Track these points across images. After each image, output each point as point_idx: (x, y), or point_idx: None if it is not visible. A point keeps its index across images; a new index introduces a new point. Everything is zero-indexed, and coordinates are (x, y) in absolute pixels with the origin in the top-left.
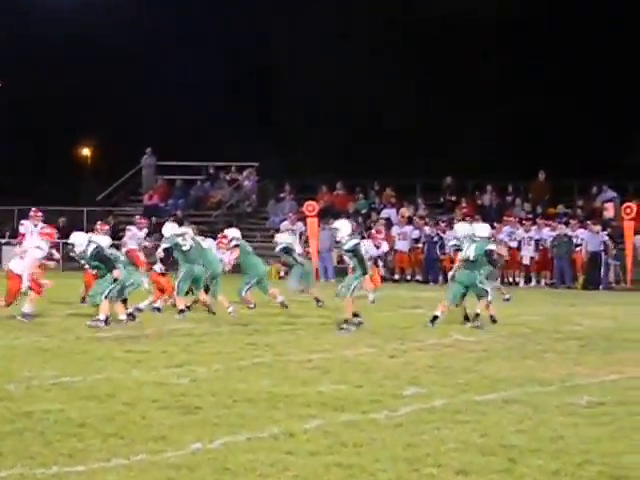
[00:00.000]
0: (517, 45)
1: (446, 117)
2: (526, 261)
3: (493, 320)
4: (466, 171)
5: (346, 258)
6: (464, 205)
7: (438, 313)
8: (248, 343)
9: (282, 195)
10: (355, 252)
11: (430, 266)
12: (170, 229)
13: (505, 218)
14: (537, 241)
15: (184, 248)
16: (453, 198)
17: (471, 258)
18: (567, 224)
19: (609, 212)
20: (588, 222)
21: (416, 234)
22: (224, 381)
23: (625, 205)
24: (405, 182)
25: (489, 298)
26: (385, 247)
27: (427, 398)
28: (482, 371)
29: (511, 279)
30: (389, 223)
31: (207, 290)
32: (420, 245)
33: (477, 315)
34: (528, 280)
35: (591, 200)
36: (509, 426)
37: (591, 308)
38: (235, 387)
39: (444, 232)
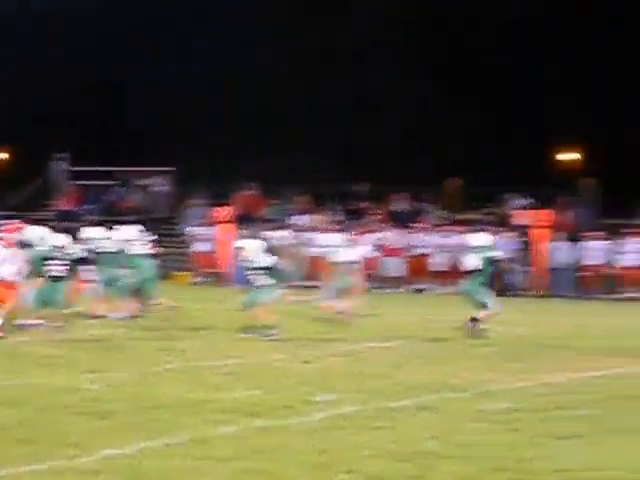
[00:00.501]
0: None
1: (360, 123)
2: (440, 267)
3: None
4: (381, 178)
5: (254, 276)
6: (379, 211)
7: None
8: (162, 349)
9: (196, 201)
10: (271, 269)
11: None
12: (92, 233)
13: (418, 225)
14: (449, 248)
15: (104, 251)
16: (367, 205)
17: (473, 267)
18: (482, 231)
19: (522, 219)
20: (500, 229)
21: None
22: (139, 387)
23: (538, 212)
24: (321, 189)
25: (489, 307)
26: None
27: (340, 404)
28: (395, 377)
29: (423, 285)
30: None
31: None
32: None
33: (474, 319)
34: (440, 287)
35: (504, 207)
36: (422, 432)
37: (504, 315)
38: (149, 393)
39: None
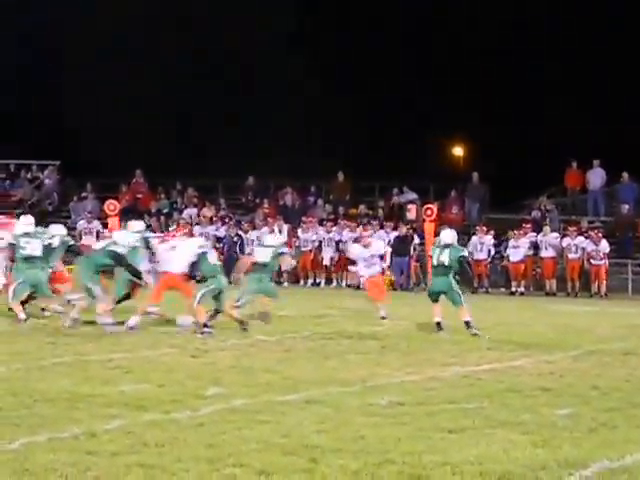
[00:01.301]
0: None
1: (248, 117)
2: (326, 262)
3: (469, 325)
4: (268, 171)
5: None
6: (266, 206)
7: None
8: (48, 342)
9: (84, 194)
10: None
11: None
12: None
13: (305, 219)
14: (337, 242)
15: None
16: (255, 199)
17: (445, 264)
18: (368, 224)
19: (411, 214)
20: (400, 223)
21: (220, 234)
22: (24, 381)
23: (426, 207)
24: (207, 182)
25: (464, 303)
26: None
27: (228, 398)
28: (283, 372)
29: (311, 280)
30: (191, 223)
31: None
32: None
33: (468, 323)
34: (329, 281)
35: (389, 201)
36: (310, 426)
37: (392, 309)
38: (35, 387)
39: (246, 232)
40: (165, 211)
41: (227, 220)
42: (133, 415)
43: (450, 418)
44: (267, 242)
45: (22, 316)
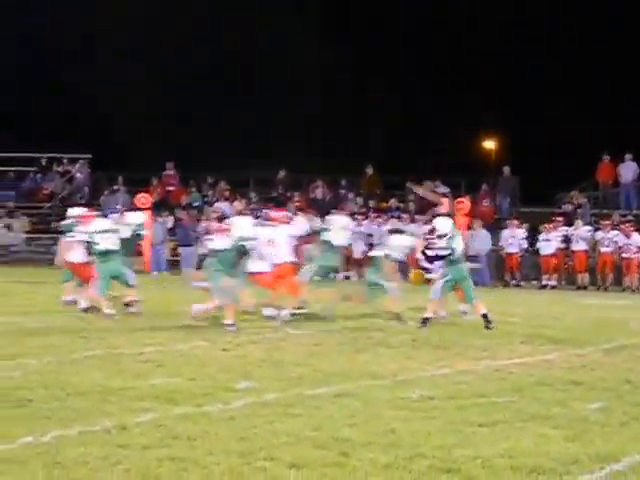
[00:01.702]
0: None
1: (280, 116)
2: (357, 255)
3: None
4: (299, 165)
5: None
6: (297, 199)
7: (430, 314)
8: (80, 336)
9: (115, 187)
10: None
11: None
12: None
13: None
14: (369, 235)
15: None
16: (286, 192)
17: (459, 252)
18: (399, 218)
19: (444, 207)
20: (417, 216)
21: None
22: (56, 374)
23: (457, 200)
24: (238, 176)
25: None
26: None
27: (259, 392)
28: (314, 365)
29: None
30: (223, 216)
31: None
32: None
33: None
34: (360, 275)
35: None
36: (341, 420)
37: (423, 303)
38: (67, 380)
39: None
40: (196, 204)
41: (257, 213)
42: (164, 408)
43: (481, 412)
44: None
45: (109, 311)
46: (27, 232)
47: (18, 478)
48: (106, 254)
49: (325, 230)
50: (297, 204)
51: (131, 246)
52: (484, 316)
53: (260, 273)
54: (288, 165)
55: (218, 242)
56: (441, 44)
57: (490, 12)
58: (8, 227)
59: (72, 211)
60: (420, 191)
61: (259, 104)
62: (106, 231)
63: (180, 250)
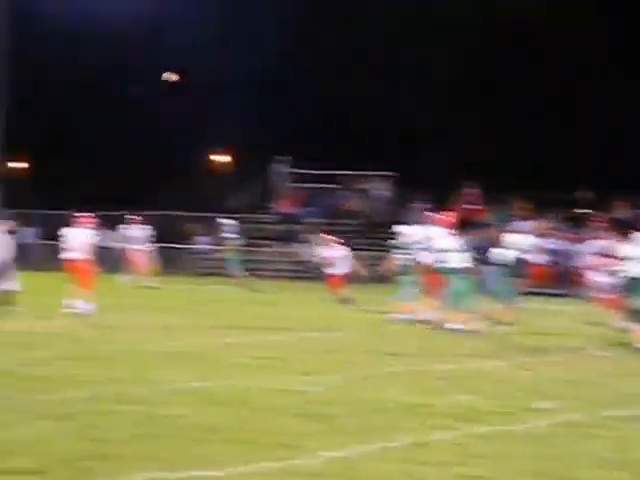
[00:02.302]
0: None
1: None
2: None
3: None
4: (602, 184)
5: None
6: (598, 218)
7: None
8: (377, 351)
9: (415, 205)
10: None
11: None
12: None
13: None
14: None
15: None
16: (588, 211)
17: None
18: None
19: None
20: None
21: (553, 246)
22: (355, 390)
23: None
24: (539, 195)
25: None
26: None
27: (558, 412)
28: (610, 386)
29: None
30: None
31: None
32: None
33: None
34: None
35: None
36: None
37: None
38: (366, 396)
39: (575, 244)
40: (498, 223)
41: (559, 233)
42: (462, 426)
43: None
44: None
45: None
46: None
47: None
48: (458, 271)
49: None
50: (599, 223)
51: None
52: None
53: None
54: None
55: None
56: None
57: None
58: (308, 243)
59: (401, 229)
60: None
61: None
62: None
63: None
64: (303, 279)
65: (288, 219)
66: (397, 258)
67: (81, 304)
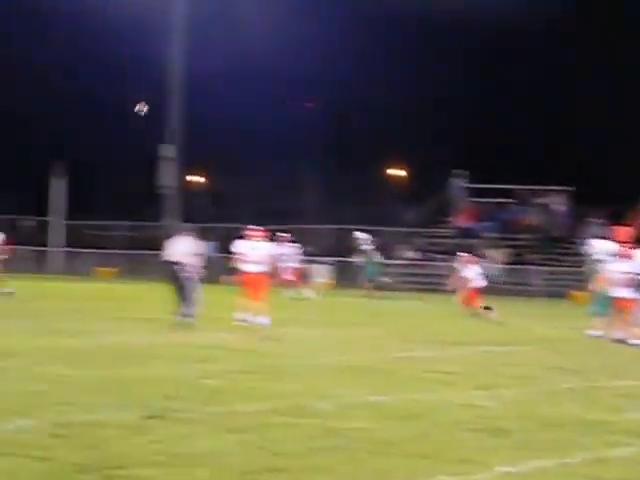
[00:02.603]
0: None
1: None
2: None
3: None
4: None
5: None
6: None
7: None
8: (555, 367)
9: (594, 220)
10: None
11: None
12: None
13: None
14: None
15: None
16: None
17: None
18: None
19: None
20: None
21: None
22: (532, 405)
23: None
24: None
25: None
26: None
27: None
28: None
29: None
30: None
31: None
32: None
33: None
34: None
35: None
36: None
37: None
38: (543, 411)
39: None
40: None
41: None
42: None
43: None
44: None
45: None
46: (505, 263)
47: None
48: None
49: None
50: None
51: None
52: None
53: None
54: None
55: None
56: None
57: None
58: (486, 257)
59: (592, 243)
60: None
61: None
62: None
63: None
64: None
65: (465, 233)
66: (596, 274)
67: (259, 318)
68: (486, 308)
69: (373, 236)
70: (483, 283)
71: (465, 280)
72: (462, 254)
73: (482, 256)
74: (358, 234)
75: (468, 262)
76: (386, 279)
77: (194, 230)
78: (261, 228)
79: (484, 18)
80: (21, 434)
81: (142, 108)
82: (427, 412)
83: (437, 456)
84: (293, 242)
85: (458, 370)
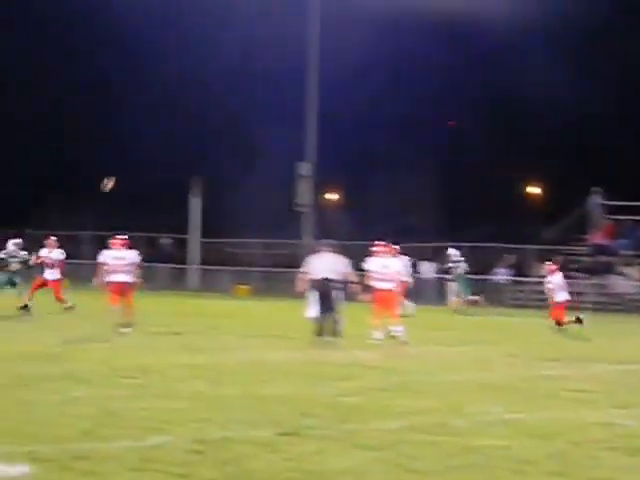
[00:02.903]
0: None
1: None
2: None
3: None
4: None
5: None
6: None
7: None
8: None
9: None
10: None
11: None
12: None
13: None
14: None
15: None
16: None
17: None
18: None
19: None
20: None
21: None
22: None
23: None
24: None
25: None
26: None
27: None
28: None
29: None
30: None
31: None
32: None
33: None
34: None
35: None
36: None
37: None
38: None
39: None
40: None
41: None
42: None
43: None
44: None
45: None
46: None
47: None
48: None
49: None
50: None
51: None
52: None
53: None
54: None
55: None
56: None
57: None
58: (623, 275)
59: None
60: None
61: None
62: None
63: None
64: (617, 311)
65: (601, 251)
66: None
67: (395, 327)
68: (577, 320)
69: (510, 253)
70: (566, 296)
71: (550, 291)
72: (548, 263)
73: (619, 273)
74: (451, 250)
75: (551, 272)
76: (477, 297)
77: (336, 247)
78: (391, 244)
79: None
80: (160, 450)
81: (108, 184)
82: (565, 430)
83: (575, 475)
84: (403, 255)
85: (596, 388)
